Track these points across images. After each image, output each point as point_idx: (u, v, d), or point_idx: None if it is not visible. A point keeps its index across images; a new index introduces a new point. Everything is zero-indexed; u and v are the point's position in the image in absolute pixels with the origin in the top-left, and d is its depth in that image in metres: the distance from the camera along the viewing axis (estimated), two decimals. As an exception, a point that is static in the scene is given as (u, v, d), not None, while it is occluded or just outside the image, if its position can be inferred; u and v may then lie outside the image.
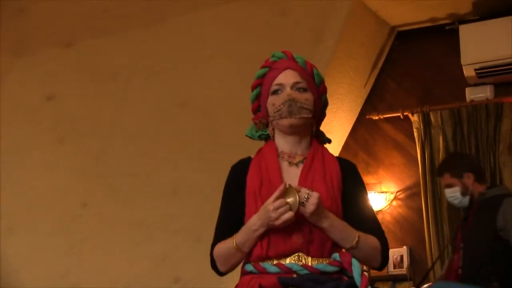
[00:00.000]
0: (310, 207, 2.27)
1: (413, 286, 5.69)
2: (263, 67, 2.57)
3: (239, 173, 2.52)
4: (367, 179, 6.06)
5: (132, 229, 5.53)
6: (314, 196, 2.27)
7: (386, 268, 5.89)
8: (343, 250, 2.39)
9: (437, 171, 4.72)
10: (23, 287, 5.62)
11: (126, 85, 5.57)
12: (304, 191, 2.29)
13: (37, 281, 5.63)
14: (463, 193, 4.45)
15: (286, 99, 2.45)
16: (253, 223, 2.35)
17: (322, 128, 2.67)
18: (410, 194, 5.99)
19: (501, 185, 5.18)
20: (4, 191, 5.69)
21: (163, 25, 5.48)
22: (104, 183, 5.61)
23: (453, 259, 4.40)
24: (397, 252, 5.89)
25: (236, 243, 2.39)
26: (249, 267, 2.41)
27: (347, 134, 6.20)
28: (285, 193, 2.29)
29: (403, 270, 5.82)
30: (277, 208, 2.27)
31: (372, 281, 5.86)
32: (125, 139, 5.59)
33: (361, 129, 6.22)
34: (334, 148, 5.85)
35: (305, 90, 2.49)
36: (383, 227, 5.99)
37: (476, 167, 4.58)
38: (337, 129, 5.86)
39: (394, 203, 6.01)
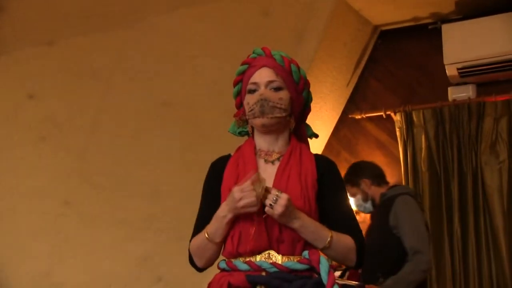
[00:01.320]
0: (278, 208, 2.27)
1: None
2: (243, 64, 2.58)
3: (217, 169, 2.53)
4: (349, 178, 6.07)
5: (114, 228, 5.51)
6: (283, 198, 2.27)
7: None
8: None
9: None
10: (5, 287, 5.60)
11: (108, 84, 5.55)
12: (274, 193, 2.29)
13: (19, 280, 5.61)
14: (364, 199, 4.59)
15: (258, 99, 2.46)
16: (221, 209, 2.37)
17: (305, 127, 2.65)
18: (393, 193, 6.00)
19: (403, 185, 5.17)
20: (-15, 190, 5.67)
21: (145, 24, 5.46)
22: (86, 182, 5.60)
23: None
24: (379, 251, 5.89)
25: (207, 234, 2.40)
26: (223, 264, 2.43)
27: (329, 134, 6.20)
28: (255, 182, 2.31)
29: (385, 269, 5.82)
30: (242, 190, 2.28)
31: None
32: (107, 138, 5.58)
33: (343, 128, 6.23)
34: (317, 147, 5.85)
35: (279, 88, 2.48)
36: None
37: (372, 172, 4.69)
38: (319, 128, 5.86)
39: (377, 202, 6.02)
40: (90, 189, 5.57)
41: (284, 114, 2.46)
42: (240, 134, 2.61)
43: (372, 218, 4.64)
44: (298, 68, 2.53)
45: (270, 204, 2.27)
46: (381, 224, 4.34)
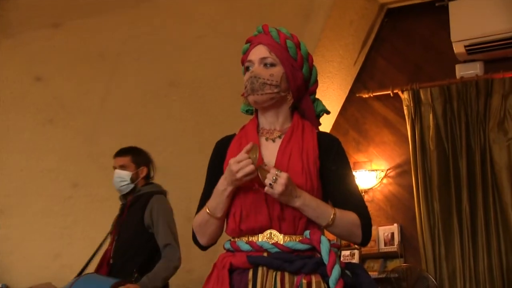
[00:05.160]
0: (278, 188, 2.25)
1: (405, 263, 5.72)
2: (246, 42, 2.58)
3: (221, 148, 2.52)
4: (357, 157, 6.07)
5: (123, 210, 5.53)
6: (283, 177, 2.25)
7: (377, 245, 5.91)
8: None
9: (120, 151, 4.66)
10: (15, 269, 5.63)
11: (115, 65, 5.55)
12: (273, 172, 2.27)
13: (29, 262, 5.64)
14: (132, 181, 4.47)
15: (249, 76, 2.45)
16: (221, 183, 2.36)
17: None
18: (401, 172, 6.00)
19: (156, 183, 5.05)
20: (-6, 173, 5.69)
21: (152, 4, 5.45)
22: (94, 164, 5.61)
23: (107, 250, 4.46)
24: (387, 230, 5.90)
25: (208, 209, 2.40)
26: (227, 245, 2.42)
27: (337, 113, 6.19)
28: (249, 151, 2.30)
29: (394, 248, 5.83)
30: (239, 162, 2.28)
31: (363, 258, 5.89)
32: (115, 119, 5.58)
33: (351, 107, 6.22)
34: (325, 126, 5.84)
35: (272, 65, 2.47)
36: (374, 205, 6.00)
37: (151, 164, 4.62)
38: (327, 107, 5.85)
39: (385, 181, 6.02)
40: (98, 171, 5.58)
41: (275, 91, 2.44)
42: (248, 112, 2.61)
43: (123, 209, 4.48)
44: (297, 43, 2.51)
45: (270, 184, 2.26)
46: (135, 220, 4.32)
